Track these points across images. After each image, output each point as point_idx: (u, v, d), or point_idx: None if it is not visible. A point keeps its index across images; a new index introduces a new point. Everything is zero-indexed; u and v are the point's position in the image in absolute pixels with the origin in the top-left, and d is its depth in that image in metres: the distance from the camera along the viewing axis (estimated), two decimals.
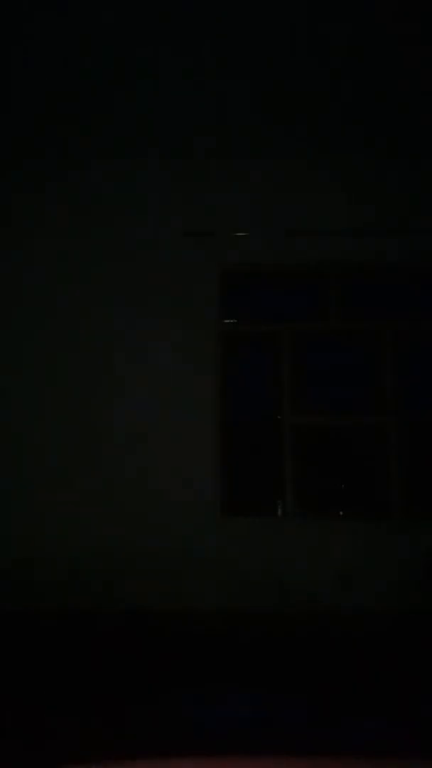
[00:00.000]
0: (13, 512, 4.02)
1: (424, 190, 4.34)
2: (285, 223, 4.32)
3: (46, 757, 2.10)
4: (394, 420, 4.22)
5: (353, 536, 4.01)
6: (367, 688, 2.86)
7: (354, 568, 3.91)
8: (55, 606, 3.82)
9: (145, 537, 3.94)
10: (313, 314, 4.45)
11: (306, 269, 4.46)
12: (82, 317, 4.28)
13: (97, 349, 4.25)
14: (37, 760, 2.09)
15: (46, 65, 3.59)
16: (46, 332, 4.28)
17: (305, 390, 4.35)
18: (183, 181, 4.40)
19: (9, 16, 3.24)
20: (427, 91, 3.81)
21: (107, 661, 2.72)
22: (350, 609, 3.80)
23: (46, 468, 4.09)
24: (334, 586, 3.87)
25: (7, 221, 4.43)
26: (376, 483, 4.23)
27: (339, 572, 3.89)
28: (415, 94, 3.83)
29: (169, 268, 4.32)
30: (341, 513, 4.27)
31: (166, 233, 4.34)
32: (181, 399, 4.16)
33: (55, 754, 2.12)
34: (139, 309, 4.30)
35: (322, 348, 4.50)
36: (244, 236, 4.36)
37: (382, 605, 3.82)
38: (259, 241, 4.34)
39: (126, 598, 3.86)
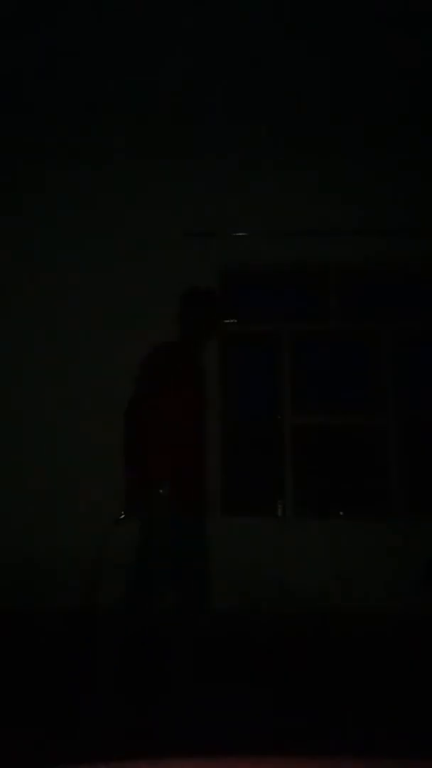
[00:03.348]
0: (13, 512, 4.02)
1: (424, 190, 4.34)
2: (285, 223, 4.32)
3: (46, 757, 2.10)
4: (394, 420, 4.21)
5: (353, 536, 4.00)
6: (367, 688, 2.86)
7: (354, 568, 3.91)
8: (55, 605, 3.81)
9: None
10: (313, 314, 4.45)
11: (306, 269, 4.46)
12: (81, 318, 4.28)
13: (96, 349, 4.24)
14: (38, 760, 2.09)
15: (46, 65, 3.60)
16: (46, 333, 4.27)
17: (305, 390, 4.34)
18: (183, 181, 4.40)
19: (9, 16, 3.25)
20: (427, 91, 3.82)
21: (106, 661, 2.73)
22: (350, 609, 3.80)
23: (46, 467, 4.09)
24: (334, 586, 3.86)
25: (6, 221, 4.43)
26: (376, 483, 4.23)
27: (339, 572, 3.89)
28: (414, 93, 3.84)
29: (169, 268, 4.31)
30: (341, 513, 4.27)
31: (166, 233, 4.34)
32: None
33: (55, 754, 2.12)
34: (138, 309, 4.29)
35: (322, 348, 4.50)
36: (244, 236, 4.36)
37: (382, 605, 3.81)
38: (258, 241, 4.34)
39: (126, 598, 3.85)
